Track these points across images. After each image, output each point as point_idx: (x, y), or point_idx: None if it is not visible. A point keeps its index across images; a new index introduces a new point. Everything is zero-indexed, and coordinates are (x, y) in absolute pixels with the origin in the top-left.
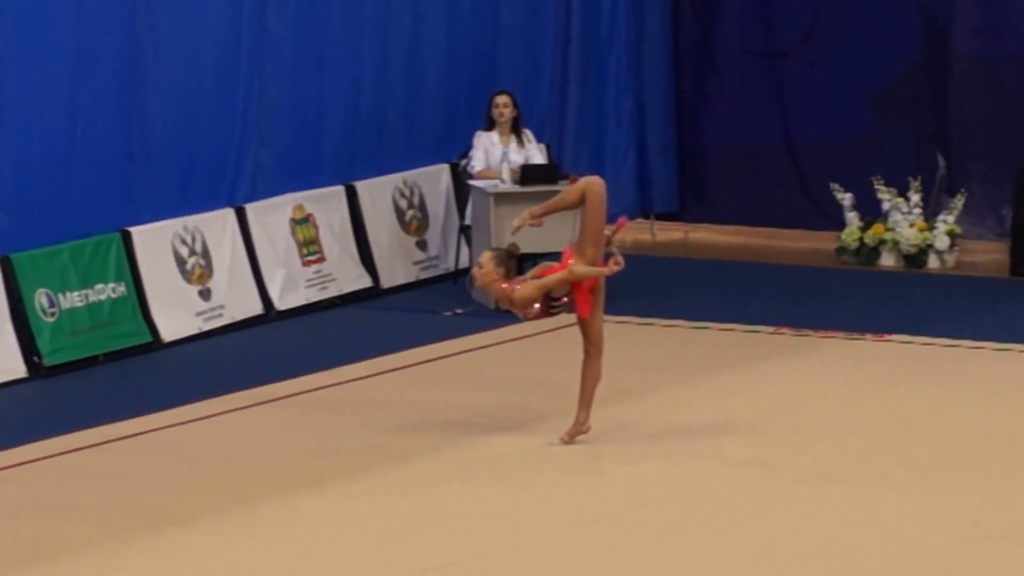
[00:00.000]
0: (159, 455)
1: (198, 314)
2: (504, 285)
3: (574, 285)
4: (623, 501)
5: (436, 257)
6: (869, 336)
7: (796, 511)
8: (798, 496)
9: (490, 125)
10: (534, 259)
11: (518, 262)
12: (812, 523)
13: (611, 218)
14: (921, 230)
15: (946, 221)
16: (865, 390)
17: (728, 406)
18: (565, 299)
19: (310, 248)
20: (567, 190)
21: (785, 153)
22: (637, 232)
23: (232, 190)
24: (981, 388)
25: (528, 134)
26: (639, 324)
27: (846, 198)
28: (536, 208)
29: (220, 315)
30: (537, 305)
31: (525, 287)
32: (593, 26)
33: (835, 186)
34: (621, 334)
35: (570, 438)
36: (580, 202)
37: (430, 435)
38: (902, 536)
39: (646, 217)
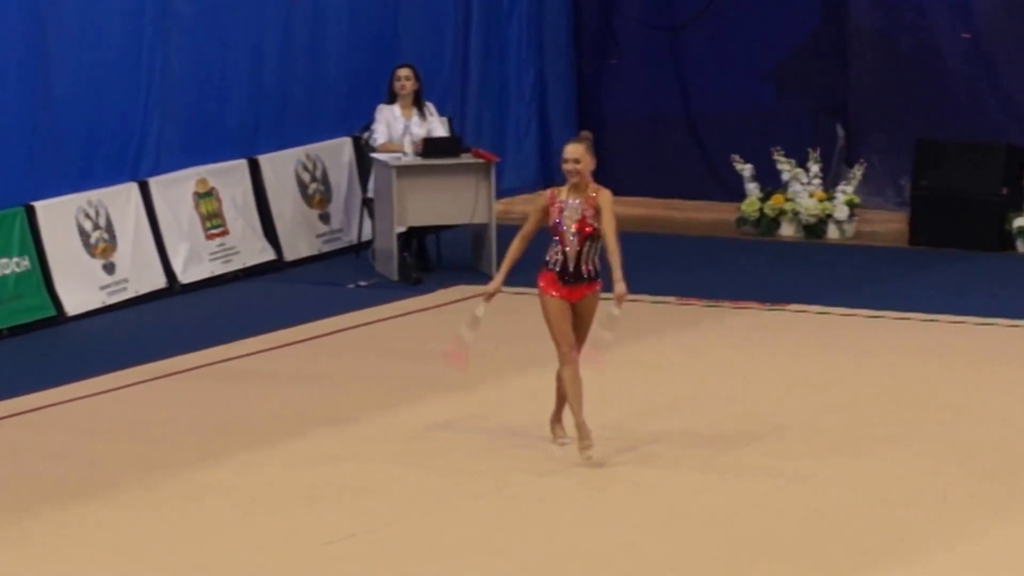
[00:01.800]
0: (63, 428)
1: (102, 288)
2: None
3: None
4: (522, 475)
5: (339, 230)
6: (769, 305)
7: (704, 479)
8: (714, 465)
9: (392, 98)
10: (436, 231)
11: (419, 241)
12: (721, 485)
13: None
14: (820, 200)
15: (845, 191)
16: (761, 357)
17: (634, 375)
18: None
19: (213, 221)
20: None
21: (685, 125)
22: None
23: (136, 164)
24: (884, 355)
25: (430, 107)
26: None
27: (746, 169)
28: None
29: (124, 289)
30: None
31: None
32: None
33: (735, 157)
34: (523, 305)
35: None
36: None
37: (334, 407)
38: (804, 500)
39: (547, 189)
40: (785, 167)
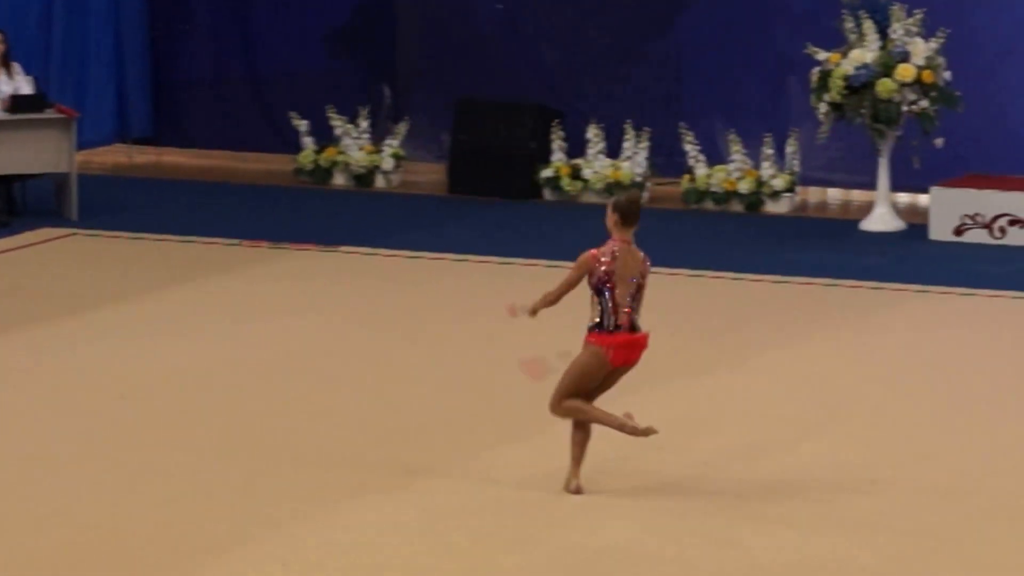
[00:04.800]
0: None
1: None
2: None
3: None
4: (150, 377)
5: None
6: (325, 247)
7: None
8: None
9: None
10: (22, 180)
11: (7, 188)
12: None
13: None
14: (369, 153)
15: (391, 145)
16: (316, 294)
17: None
18: None
19: None
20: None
21: (249, 84)
22: (116, 156)
23: None
24: (426, 287)
25: (17, 67)
26: (131, 239)
27: (303, 124)
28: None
29: None
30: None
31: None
32: None
33: (293, 114)
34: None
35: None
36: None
37: None
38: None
39: (124, 142)
40: (338, 123)
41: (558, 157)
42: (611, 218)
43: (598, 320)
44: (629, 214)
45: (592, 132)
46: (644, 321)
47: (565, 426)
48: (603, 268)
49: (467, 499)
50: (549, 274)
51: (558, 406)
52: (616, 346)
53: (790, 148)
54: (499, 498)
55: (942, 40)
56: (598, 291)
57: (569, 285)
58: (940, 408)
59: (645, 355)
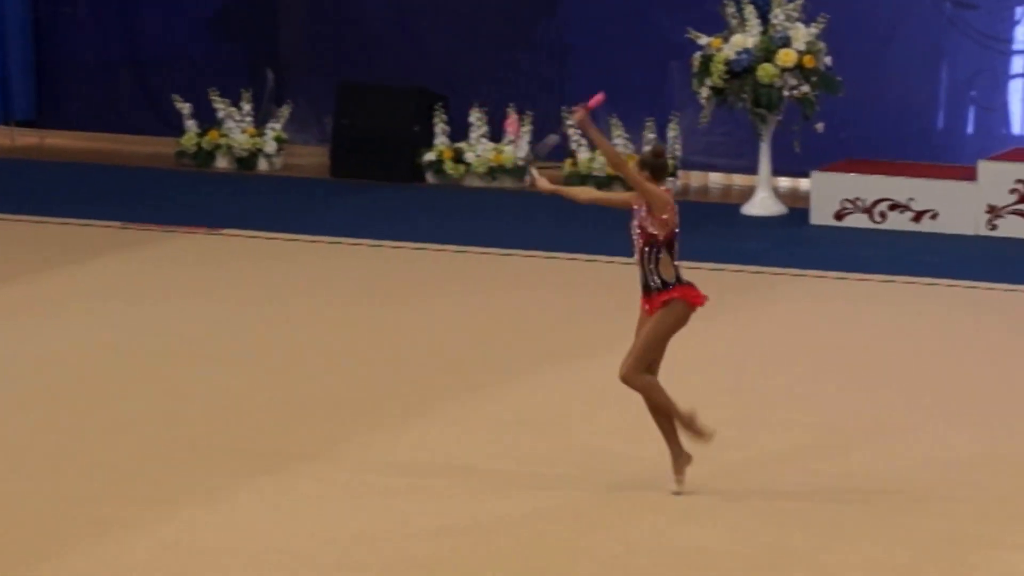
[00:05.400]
0: None
1: None
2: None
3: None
4: (27, 360)
5: None
6: (209, 230)
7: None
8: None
9: None
10: None
11: None
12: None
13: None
14: (252, 136)
15: (274, 128)
16: (197, 276)
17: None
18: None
19: None
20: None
21: (132, 66)
22: None
23: None
24: (310, 272)
25: None
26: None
27: (185, 107)
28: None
29: None
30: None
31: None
32: None
33: (176, 97)
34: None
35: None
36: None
37: None
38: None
39: (6, 124)
40: (220, 106)
41: (441, 141)
42: (643, 176)
43: (675, 274)
44: (658, 167)
45: (475, 116)
46: (536, 303)
47: (445, 412)
48: (676, 219)
49: (339, 485)
50: (431, 257)
51: (636, 376)
52: (699, 294)
53: (672, 132)
54: (376, 484)
55: (823, 25)
56: (670, 243)
57: (619, 203)
58: (816, 387)
59: (525, 337)
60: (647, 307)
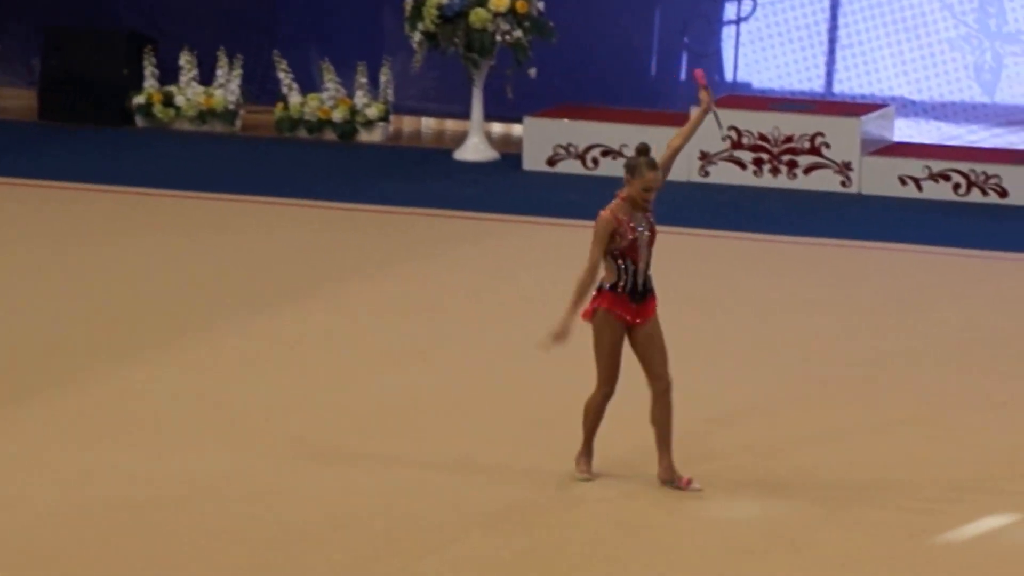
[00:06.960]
0: None
1: None
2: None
3: None
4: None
5: None
6: None
7: None
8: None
9: None
10: None
11: None
12: None
13: None
14: None
15: None
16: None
17: None
18: None
19: None
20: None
21: None
22: None
23: None
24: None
25: None
26: None
27: None
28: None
29: None
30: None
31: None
32: None
33: None
34: None
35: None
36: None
37: None
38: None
39: None
40: None
41: (150, 84)
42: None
43: (610, 285)
44: (631, 167)
45: (184, 59)
46: (227, 252)
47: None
48: (628, 234)
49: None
50: (140, 201)
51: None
52: (616, 306)
53: (384, 77)
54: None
55: None
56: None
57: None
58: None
59: (233, 288)
60: (649, 311)
